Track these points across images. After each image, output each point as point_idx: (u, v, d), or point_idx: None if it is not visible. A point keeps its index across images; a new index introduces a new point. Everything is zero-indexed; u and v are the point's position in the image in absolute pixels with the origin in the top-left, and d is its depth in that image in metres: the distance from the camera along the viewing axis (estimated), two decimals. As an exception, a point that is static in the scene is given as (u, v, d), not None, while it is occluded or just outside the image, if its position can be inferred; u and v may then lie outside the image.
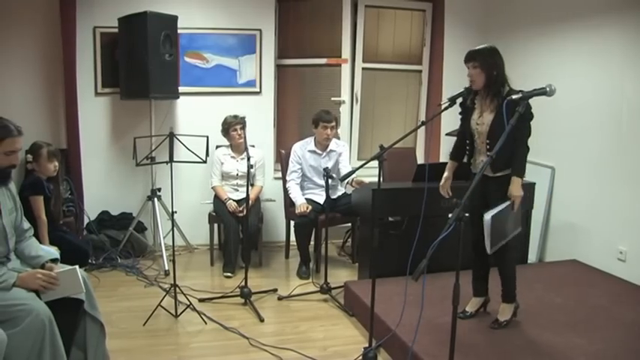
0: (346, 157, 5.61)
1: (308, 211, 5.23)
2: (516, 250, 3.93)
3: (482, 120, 3.65)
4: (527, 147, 3.61)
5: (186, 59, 5.90)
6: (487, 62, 3.57)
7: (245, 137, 4.88)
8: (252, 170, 4.81)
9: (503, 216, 3.51)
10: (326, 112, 5.48)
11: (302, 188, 5.56)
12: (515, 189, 3.55)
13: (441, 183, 4.00)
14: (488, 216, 3.37)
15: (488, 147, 3.65)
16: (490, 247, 3.42)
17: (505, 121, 2.58)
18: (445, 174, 4.00)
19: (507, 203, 3.53)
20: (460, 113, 3.88)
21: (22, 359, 2.68)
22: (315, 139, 5.52)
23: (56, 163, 4.60)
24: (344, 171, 5.31)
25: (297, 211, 5.27)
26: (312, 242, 5.53)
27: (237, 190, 5.53)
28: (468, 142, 3.86)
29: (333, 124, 5.42)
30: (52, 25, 5.41)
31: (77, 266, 3.01)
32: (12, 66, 5.43)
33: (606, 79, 4.82)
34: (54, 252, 3.31)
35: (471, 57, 3.62)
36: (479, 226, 3.50)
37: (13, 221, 3.06)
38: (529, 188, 4.99)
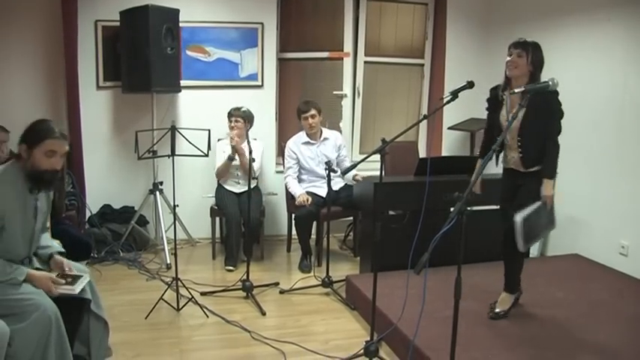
0: (345, 151, 5.66)
1: (309, 202, 5.24)
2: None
3: (513, 116, 3.63)
4: (558, 145, 3.59)
5: (188, 53, 5.89)
6: (536, 56, 3.55)
7: (247, 132, 4.86)
8: (253, 164, 4.80)
9: (536, 215, 3.51)
10: (304, 102, 5.54)
11: (302, 182, 5.56)
12: (547, 190, 3.56)
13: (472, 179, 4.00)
14: (519, 218, 3.41)
15: (519, 144, 3.64)
16: (523, 245, 3.48)
17: (506, 115, 2.57)
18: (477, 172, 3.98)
19: (539, 203, 3.54)
20: (487, 108, 3.87)
21: (29, 353, 2.71)
22: (305, 131, 5.57)
23: None
24: (347, 165, 5.32)
25: (297, 202, 5.28)
26: (313, 236, 5.53)
27: (239, 183, 5.54)
28: (495, 138, 3.82)
29: (312, 112, 5.45)
30: (54, 19, 5.40)
31: (87, 274, 3.09)
32: (13, 60, 5.43)
33: (609, 74, 4.81)
34: (58, 246, 3.32)
35: (523, 45, 3.56)
36: (510, 220, 3.54)
37: (43, 222, 3.12)
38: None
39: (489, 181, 4.91)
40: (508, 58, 3.59)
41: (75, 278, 3.01)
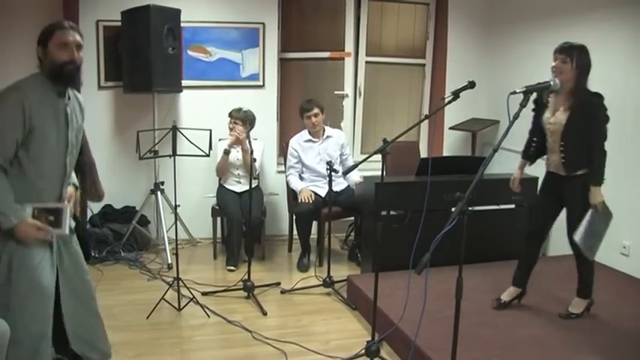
0: (348, 149, 5.66)
1: (312, 199, 5.25)
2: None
3: (556, 119, 3.63)
4: (604, 151, 3.56)
5: (190, 53, 5.89)
6: (580, 60, 3.54)
7: (248, 133, 4.85)
8: (255, 164, 4.80)
9: (591, 225, 3.55)
10: (307, 101, 5.53)
11: (304, 181, 5.56)
12: (595, 198, 3.55)
13: (512, 178, 4.04)
14: (577, 237, 3.52)
15: (562, 148, 3.64)
16: (592, 255, 3.61)
17: (508, 116, 2.57)
18: (516, 172, 4.04)
19: (589, 213, 3.55)
20: (533, 110, 3.87)
21: None
22: (307, 129, 5.58)
23: None
24: (349, 165, 5.32)
25: (300, 199, 5.30)
26: (314, 235, 5.54)
27: (240, 183, 5.53)
28: (536, 140, 3.87)
29: (315, 111, 5.44)
30: (55, 19, 5.38)
31: (64, 204, 2.85)
32: (14, 60, 5.41)
33: (610, 74, 4.79)
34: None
35: (567, 51, 3.55)
36: (542, 219, 3.77)
37: (76, 138, 2.93)
38: (532, 183, 4.98)
39: (489, 182, 4.93)
40: (553, 64, 3.58)
41: (56, 215, 2.76)
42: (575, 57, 3.52)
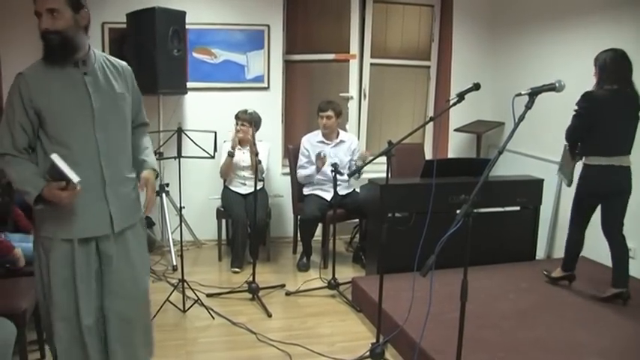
0: (358, 155, 5.63)
1: (324, 159, 5.33)
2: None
3: None
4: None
5: (195, 55, 5.90)
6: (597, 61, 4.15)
7: (253, 135, 4.86)
8: (260, 165, 4.81)
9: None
10: (327, 102, 5.55)
11: (310, 185, 5.56)
12: None
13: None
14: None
15: None
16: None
17: (513, 119, 2.56)
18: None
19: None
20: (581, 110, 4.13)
21: None
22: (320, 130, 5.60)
23: None
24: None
25: (318, 166, 5.38)
26: (318, 238, 5.54)
27: (245, 184, 5.54)
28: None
29: (329, 113, 5.46)
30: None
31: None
32: (20, 63, 5.41)
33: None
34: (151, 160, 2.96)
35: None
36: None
37: (112, 113, 2.64)
38: (537, 184, 4.98)
39: (494, 184, 4.92)
40: None
41: (62, 175, 2.39)
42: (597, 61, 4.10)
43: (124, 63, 2.76)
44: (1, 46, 5.37)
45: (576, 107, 4.04)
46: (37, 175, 2.46)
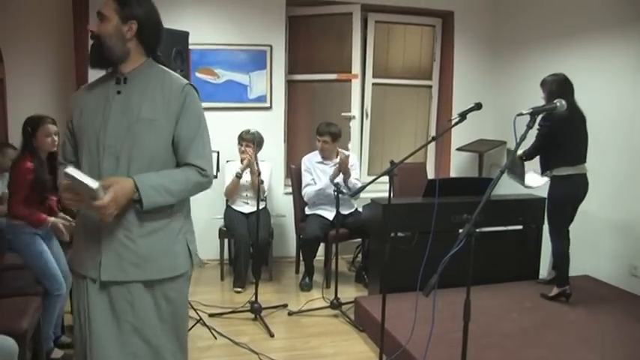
0: (355, 169, 5.61)
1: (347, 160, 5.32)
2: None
3: None
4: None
5: (197, 75, 5.93)
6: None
7: (256, 155, 4.88)
8: (262, 185, 4.81)
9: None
10: (326, 124, 5.56)
11: (312, 204, 5.57)
12: None
13: None
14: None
15: None
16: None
17: (515, 138, 2.57)
18: None
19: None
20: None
21: None
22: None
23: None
24: (355, 185, 5.33)
25: (332, 176, 5.35)
26: (322, 257, 5.54)
27: (248, 204, 5.55)
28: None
29: (325, 138, 5.48)
30: (66, 39, 5.47)
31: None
32: (25, 82, 5.48)
33: (618, 94, 4.82)
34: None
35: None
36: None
37: (128, 139, 2.25)
38: (539, 203, 4.97)
39: (497, 203, 4.92)
40: None
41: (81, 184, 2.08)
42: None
43: (181, 83, 2.36)
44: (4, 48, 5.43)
45: (539, 127, 4.36)
46: None
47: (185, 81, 2.38)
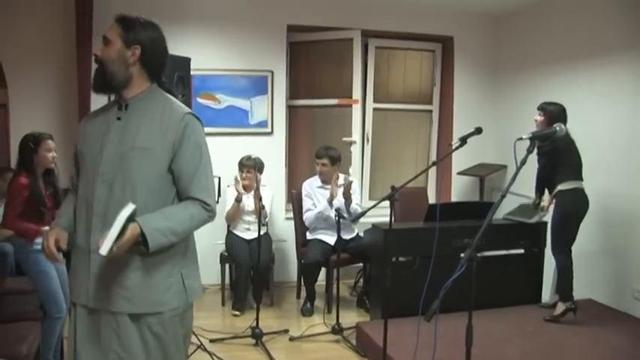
0: (356, 194, 5.60)
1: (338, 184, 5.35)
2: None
3: None
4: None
5: (199, 100, 5.96)
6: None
7: (257, 179, 4.89)
8: (264, 210, 4.81)
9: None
10: (325, 148, 5.57)
11: (313, 229, 5.57)
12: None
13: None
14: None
15: None
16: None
17: (515, 162, 2.58)
18: None
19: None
20: None
21: None
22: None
23: None
24: (357, 211, 5.33)
25: (331, 200, 5.36)
26: (323, 282, 5.52)
27: (249, 229, 5.55)
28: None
29: (324, 161, 5.49)
30: (69, 64, 5.50)
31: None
32: (28, 107, 5.50)
33: (616, 117, 4.84)
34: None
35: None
36: None
37: (121, 167, 2.21)
38: (541, 227, 4.97)
39: (498, 227, 4.92)
40: None
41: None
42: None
43: (181, 112, 2.32)
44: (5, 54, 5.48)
45: (541, 146, 4.39)
46: (65, 213, 2.39)
47: (186, 110, 2.35)
